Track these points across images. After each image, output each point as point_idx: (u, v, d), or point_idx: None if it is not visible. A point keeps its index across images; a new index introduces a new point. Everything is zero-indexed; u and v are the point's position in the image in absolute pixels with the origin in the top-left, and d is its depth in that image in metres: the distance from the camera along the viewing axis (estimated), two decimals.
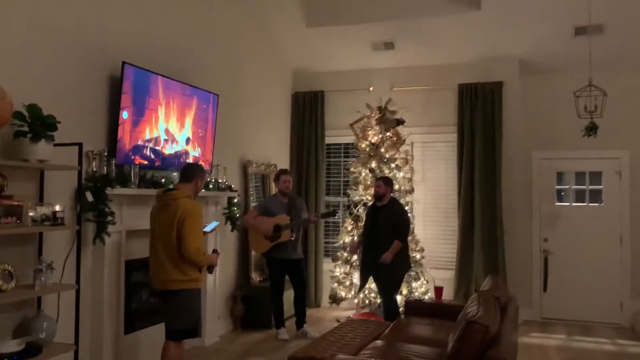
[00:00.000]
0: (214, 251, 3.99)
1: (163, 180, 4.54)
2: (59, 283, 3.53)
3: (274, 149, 7.05)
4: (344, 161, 7.39)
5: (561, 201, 6.80)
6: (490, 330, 2.85)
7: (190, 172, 3.81)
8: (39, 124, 3.23)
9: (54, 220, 3.33)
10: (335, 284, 6.40)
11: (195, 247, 3.55)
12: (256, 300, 5.94)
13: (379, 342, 3.80)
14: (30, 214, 3.26)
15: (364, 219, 5.79)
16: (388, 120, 6.30)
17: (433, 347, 3.71)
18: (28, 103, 3.26)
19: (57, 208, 3.35)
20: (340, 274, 6.35)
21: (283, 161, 7.23)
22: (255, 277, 6.15)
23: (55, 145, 3.36)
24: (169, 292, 3.63)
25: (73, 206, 3.75)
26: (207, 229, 4.11)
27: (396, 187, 6.16)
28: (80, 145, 3.59)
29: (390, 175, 6.16)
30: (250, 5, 6.26)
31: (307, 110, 7.36)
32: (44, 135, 3.23)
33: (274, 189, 6.75)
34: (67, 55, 3.81)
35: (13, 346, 3.03)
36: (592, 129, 5.53)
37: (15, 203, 3.11)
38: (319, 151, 7.26)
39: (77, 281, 3.56)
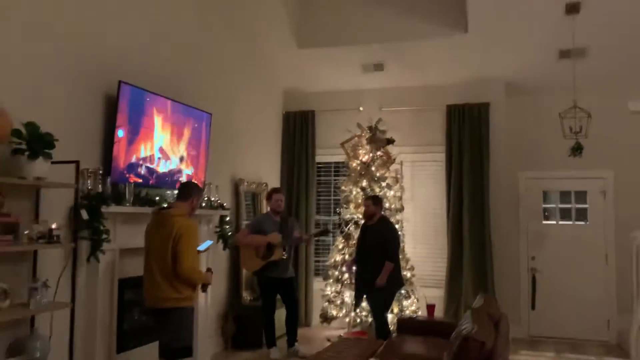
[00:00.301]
0: (208, 270, 3.99)
1: (157, 198, 4.55)
2: (53, 301, 3.50)
3: (265, 168, 7.10)
4: (334, 180, 7.45)
5: (548, 220, 6.91)
6: (486, 346, 2.90)
7: (187, 190, 3.84)
8: (37, 142, 3.24)
9: (49, 238, 3.33)
10: (326, 303, 6.41)
11: (190, 265, 3.56)
12: (247, 319, 5.92)
13: None
14: (25, 231, 3.25)
15: (357, 238, 5.82)
16: (379, 140, 6.40)
17: None
18: (25, 121, 3.28)
19: (54, 226, 3.35)
20: (332, 293, 6.37)
21: (274, 180, 7.28)
22: (246, 296, 6.14)
23: (52, 162, 3.37)
24: (163, 310, 3.62)
25: (67, 224, 3.74)
26: (201, 247, 4.11)
27: (387, 205, 6.23)
28: (77, 163, 3.60)
29: (381, 193, 6.23)
30: (242, 26, 6.35)
31: (298, 129, 7.44)
32: (41, 153, 3.25)
33: (264, 208, 6.79)
34: (64, 74, 3.84)
35: None
36: (577, 149, 5.68)
37: (12, 221, 3.11)
38: (309, 170, 7.32)
39: (73, 300, 3.54)
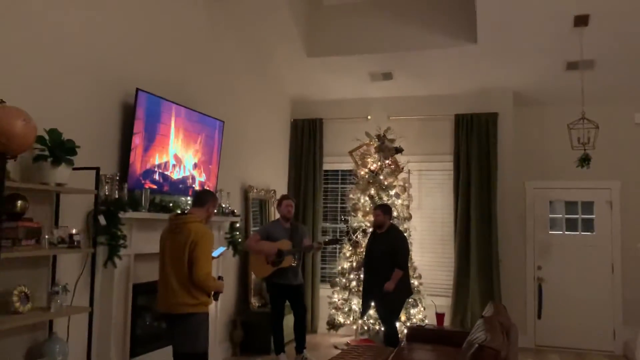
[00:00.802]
0: (219, 278, 3.99)
1: (171, 204, 4.60)
2: (71, 305, 3.55)
3: (273, 175, 7.15)
4: (342, 188, 7.51)
5: (554, 230, 6.96)
6: (501, 355, 2.93)
7: (203, 197, 3.88)
8: (59, 149, 3.30)
9: (70, 243, 3.38)
10: (333, 310, 6.44)
11: (206, 272, 3.59)
12: (255, 325, 5.96)
13: None
14: (46, 236, 3.30)
15: (365, 246, 5.86)
16: (387, 149, 6.45)
17: None
18: (46, 128, 3.33)
19: (74, 231, 3.40)
20: (339, 300, 6.40)
21: (282, 187, 7.33)
22: (255, 302, 6.18)
23: (73, 169, 3.42)
24: (178, 315, 3.64)
25: (85, 229, 3.79)
26: (215, 254, 4.14)
27: (394, 214, 6.27)
28: (97, 169, 3.66)
29: (389, 202, 6.28)
30: (252, 35, 6.42)
31: (306, 137, 7.50)
32: (64, 160, 3.30)
33: (273, 214, 6.85)
34: (83, 82, 3.90)
35: None
36: (585, 160, 5.72)
37: (35, 226, 3.16)
38: (317, 177, 7.37)
39: (91, 304, 3.59)
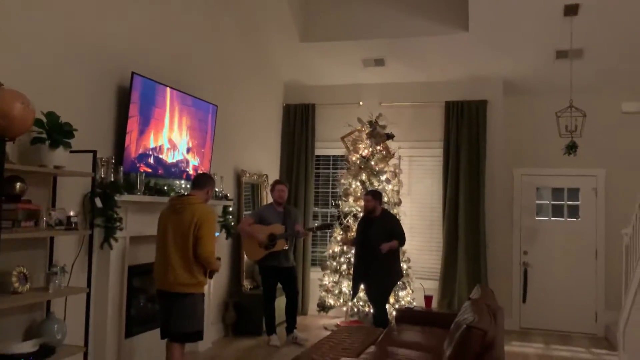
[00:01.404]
0: (218, 258, 4.10)
1: (165, 187, 4.65)
2: (68, 286, 3.61)
3: (266, 160, 7.21)
4: (333, 173, 7.58)
5: (540, 216, 7.10)
6: (488, 335, 3.05)
7: (203, 180, 4.05)
8: (57, 132, 3.33)
9: (67, 224, 3.43)
10: (324, 293, 6.56)
11: (211, 250, 3.78)
12: (247, 307, 6.06)
13: (376, 347, 3.98)
14: (44, 218, 3.35)
15: (356, 230, 5.96)
16: (378, 135, 6.52)
17: (426, 353, 3.90)
18: (42, 110, 3.36)
19: (72, 213, 3.45)
20: (329, 283, 6.52)
21: (274, 171, 7.39)
22: (247, 284, 6.27)
23: (70, 152, 3.46)
24: (177, 294, 3.76)
25: (81, 211, 3.84)
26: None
27: (385, 199, 6.38)
28: (94, 152, 3.70)
29: (379, 187, 6.38)
30: (246, 20, 6.43)
31: (298, 122, 7.54)
32: (61, 142, 3.34)
33: (265, 199, 6.92)
34: (79, 66, 3.92)
35: (28, 347, 3.11)
36: (572, 148, 5.85)
37: (34, 208, 3.20)
38: (308, 162, 7.44)
39: (89, 284, 3.65)
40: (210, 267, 3.85)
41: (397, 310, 5.06)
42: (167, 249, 3.79)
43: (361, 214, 6.39)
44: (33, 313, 3.52)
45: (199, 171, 5.23)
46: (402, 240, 5.62)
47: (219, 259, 4.06)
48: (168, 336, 3.89)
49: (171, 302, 3.80)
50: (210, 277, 4.05)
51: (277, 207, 5.78)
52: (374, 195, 5.72)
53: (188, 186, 5.02)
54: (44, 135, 3.33)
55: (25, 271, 3.24)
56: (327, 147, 7.53)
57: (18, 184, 3.15)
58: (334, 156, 7.59)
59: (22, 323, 3.45)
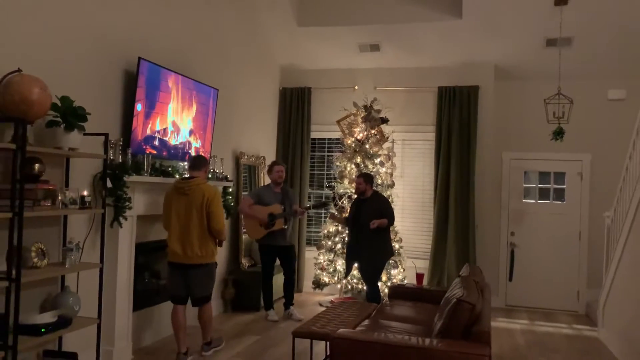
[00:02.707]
0: None
1: (170, 169, 4.84)
2: (81, 262, 3.81)
3: (263, 142, 7.39)
4: (328, 155, 7.79)
5: (528, 198, 7.38)
6: (476, 309, 3.31)
7: (201, 162, 4.45)
8: (72, 115, 3.50)
9: (81, 203, 3.61)
10: (319, 271, 6.81)
11: (222, 223, 4.35)
12: (246, 284, 6.30)
13: (370, 321, 4.24)
14: (59, 197, 3.53)
15: (349, 211, 6.19)
16: (373, 119, 6.72)
17: (418, 325, 4.16)
18: (56, 95, 3.51)
19: (85, 193, 3.64)
20: (324, 261, 6.77)
21: (271, 153, 7.58)
22: (245, 262, 6.50)
23: (84, 134, 3.63)
24: (197, 265, 4.31)
25: (91, 191, 4.02)
26: None
27: (379, 181, 6.61)
28: (106, 135, 3.88)
29: (374, 170, 6.60)
30: (246, 4, 6.56)
31: (294, 105, 7.71)
32: (76, 126, 3.51)
33: (262, 180, 7.12)
34: (87, 51, 4.06)
35: (48, 318, 3.32)
36: (559, 134, 6.09)
37: (52, 187, 3.38)
38: (304, 145, 7.63)
39: (101, 260, 3.85)
40: (220, 237, 4.40)
41: (390, 287, 5.31)
42: (182, 227, 4.26)
43: (355, 196, 6.62)
44: (49, 287, 3.72)
45: (201, 153, 5.42)
46: (391, 220, 5.84)
47: None
48: (186, 302, 4.42)
49: (191, 273, 4.32)
50: (220, 245, 4.52)
51: (275, 188, 5.98)
52: (365, 178, 5.93)
53: None
54: (59, 119, 3.49)
55: (43, 247, 3.43)
56: (322, 130, 7.71)
57: (37, 165, 3.32)
58: (329, 139, 7.79)
59: (38, 296, 3.65)
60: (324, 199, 7.01)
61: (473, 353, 3.01)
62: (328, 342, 4.13)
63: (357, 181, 5.98)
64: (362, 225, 5.81)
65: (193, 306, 4.48)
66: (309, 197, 7.74)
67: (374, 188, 6.09)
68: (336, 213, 6.63)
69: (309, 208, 6.29)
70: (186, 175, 4.56)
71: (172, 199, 4.29)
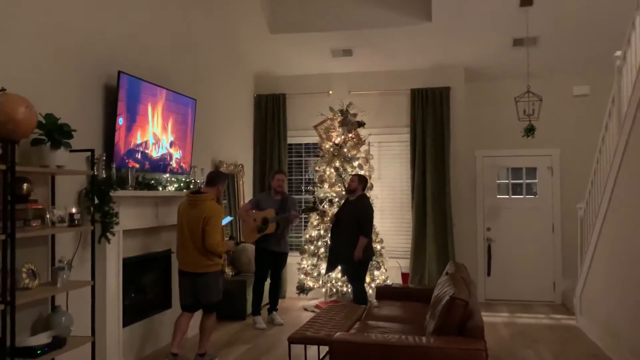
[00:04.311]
0: (231, 238, 4.58)
1: (152, 181, 4.81)
2: (70, 280, 3.76)
3: (240, 150, 7.39)
4: (305, 160, 7.84)
5: (501, 194, 7.58)
6: (469, 305, 3.41)
7: (215, 178, 4.62)
8: (57, 132, 3.46)
9: (70, 221, 3.57)
10: (303, 275, 6.85)
11: (215, 241, 4.40)
12: (231, 293, 6.27)
13: (361, 323, 4.30)
14: (47, 216, 3.49)
15: (337, 211, 6.22)
16: (350, 123, 6.81)
17: (409, 324, 4.25)
18: (40, 113, 3.45)
19: (73, 210, 3.60)
20: (308, 266, 6.81)
21: (248, 161, 7.59)
22: (229, 271, 6.49)
23: (70, 151, 3.59)
24: (200, 274, 4.45)
25: (77, 208, 3.97)
26: (223, 222, 4.74)
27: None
28: (92, 151, 3.84)
29: (352, 172, 6.68)
30: (219, 13, 6.56)
31: (270, 112, 7.75)
32: (62, 143, 3.47)
33: (241, 188, 7.14)
34: (67, 66, 4.01)
35: (43, 339, 3.27)
36: (530, 130, 6.29)
37: (40, 207, 3.34)
38: (281, 151, 7.67)
39: (92, 277, 3.81)
40: (217, 254, 4.48)
41: (377, 288, 5.39)
42: (186, 238, 4.45)
43: (336, 200, 6.70)
44: (39, 307, 3.66)
45: (182, 164, 5.41)
46: (364, 227, 5.75)
47: (231, 238, 4.51)
48: (193, 310, 4.60)
49: (197, 281, 4.47)
50: (228, 254, 4.52)
51: (275, 196, 6.09)
52: (360, 179, 5.99)
53: (173, 179, 5.21)
54: (44, 137, 3.44)
55: (33, 267, 3.38)
56: (298, 135, 7.77)
57: (25, 185, 3.28)
58: (306, 144, 7.84)
59: (29, 317, 3.59)
60: (313, 204, 7.06)
61: (470, 348, 3.12)
62: (321, 346, 4.19)
63: (351, 178, 6.05)
64: (343, 225, 5.88)
65: (204, 313, 4.61)
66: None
67: (365, 192, 6.10)
68: (319, 220, 6.71)
69: (298, 212, 6.31)
70: (199, 190, 4.72)
71: (183, 209, 4.51)
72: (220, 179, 4.66)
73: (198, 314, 4.72)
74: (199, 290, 4.50)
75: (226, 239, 4.74)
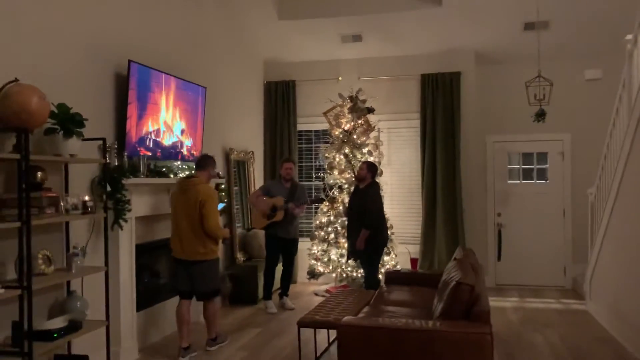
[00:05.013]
0: (225, 226, 4.56)
1: (164, 169, 4.89)
2: (85, 266, 3.85)
3: (250, 137, 7.44)
4: (315, 147, 7.87)
5: (512, 179, 7.57)
6: (475, 289, 3.45)
7: (204, 162, 4.54)
8: (70, 122, 3.53)
9: (84, 209, 3.66)
10: (313, 261, 6.92)
11: (215, 223, 4.37)
12: (242, 278, 6.39)
13: (370, 307, 4.37)
14: (61, 204, 3.57)
15: (349, 197, 6.25)
16: (359, 109, 6.82)
17: (417, 308, 4.31)
18: (52, 102, 3.52)
19: (86, 198, 3.68)
20: (318, 252, 6.88)
21: (259, 148, 7.65)
22: (240, 257, 6.59)
23: (82, 140, 3.66)
24: (195, 262, 4.41)
25: (90, 196, 4.05)
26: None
27: None
28: (104, 140, 3.91)
29: (362, 159, 6.70)
30: (227, 1, 6.58)
31: (280, 98, 7.77)
32: (74, 132, 3.54)
33: (252, 175, 7.21)
34: (78, 56, 4.07)
35: (60, 323, 3.37)
36: (541, 115, 6.25)
37: (54, 195, 3.42)
38: (291, 137, 7.70)
39: (106, 263, 3.91)
40: (216, 237, 4.44)
41: (386, 273, 5.44)
42: (180, 225, 4.35)
43: (345, 186, 6.75)
44: (55, 292, 3.77)
45: (193, 151, 5.47)
46: (367, 219, 5.65)
47: (225, 226, 4.50)
48: (191, 297, 4.54)
49: (191, 269, 4.43)
50: (224, 242, 4.56)
51: (285, 183, 6.17)
52: (369, 167, 5.95)
53: (184, 166, 5.27)
54: (56, 126, 3.51)
55: (49, 254, 3.47)
56: (308, 122, 7.79)
57: (39, 173, 3.35)
58: (315, 131, 7.87)
59: (46, 301, 3.70)
60: (313, 192, 7.12)
61: (475, 332, 3.16)
62: (331, 330, 4.27)
63: (360, 166, 6.05)
64: (354, 213, 5.92)
65: (197, 301, 4.61)
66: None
67: (375, 180, 6.06)
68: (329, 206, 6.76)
69: (306, 202, 6.35)
70: (190, 173, 4.68)
71: (175, 197, 4.44)
72: (210, 161, 4.57)
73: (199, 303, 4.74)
74: (194, 278, 4.46)
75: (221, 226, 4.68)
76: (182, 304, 4.53)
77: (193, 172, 4.77)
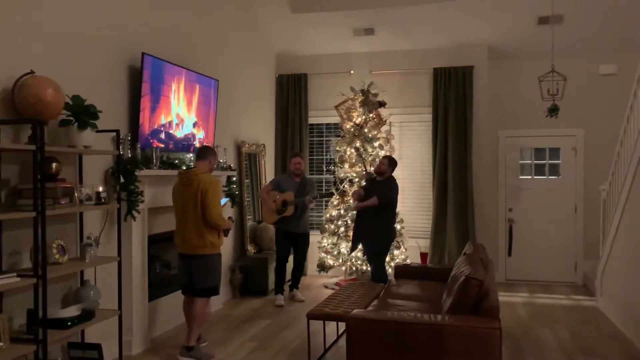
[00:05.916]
0: (229, 218, 4.53)
1: (176, 161, 4.93)
2: (99, 256, 3.91)
3: (262, 130, 7.47)
4: (326, 140, 7.88)
5: (524, 175, 7.53)
6: (484, 284, 3.45)
7: (204, 152, 4.42)
8: (84, 113, 3.57)
9: (97, 199, 3.71)
10: (323, 254, 6.96)
11: (217, 213, 4.21)
12: (253, 270, 6.44)
13: (379, 300, 4.39)
14: (75, 194, 3.63)
15: (365, 186, 6.26)
16: (371, 103, 6.81)
17: (426, 302, 4.32)
18: (67, 94, 3.57)
19: (100, 189, 3.73)
20: (328, 245, 6.91)
21: (270, 141, 7.67)
22: (251, 249, 6.64)
23: (96, 132, 3.71)
24: (195, 256, 4.25)
25: (104, 187, 4.10)
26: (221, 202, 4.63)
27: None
28: (117, 131, 3.96)
29: (373, 153, 6.71)
30: None
31: (291, 92, 7.79)
32: (89, 124, 3.59)
33: (263, 168, 7.25)
34: (92, 48, 4.11)
35: (73, 311, 3.44)
36: (554, 110, 6.21)
37: (69, 185, 3.47)
38: (303, 131, 7.72)
39: (119, 253, 3.96)
40: (219, 228, 4.29)
41: (395, 267, 5.46)
42: (182, 218, 4.26)
43: (356, 180, 6.75)
44: (69, 281, 3.83)
45: (205, 144, 5.51)
46: (381, 199, 5.72)
47: (230, 218, 4.51)
48: (191, 293, 4.36)
49: (191, 263, 4.28)
50: (226, 235, 4.49)
51: (295, 177, 6.20)
52: (390, 161, 5.96)
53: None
54: (71, 118, 3.56)
55: (63, 244, 3.53)
56: (319, 115, 7.80)
57: (54, 164, 3.41)
58: (327, 124, 7.88)
59: (60, 290, 3.76)
60: (324, 186, 7.13)
61: (484, 327, 3.17)
62: (339, 323, 4.30)
63: (381, 161, 6.01)
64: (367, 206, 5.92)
65: (192, 296, 4.37)
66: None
67: (393, 174, 6.08)
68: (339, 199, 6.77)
69: (316, 196, 6.37)
70: (190, 166, 4.66)
71: (177, 189, 4.33)
72: (210, 151, 4.43)
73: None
74: (193, 273, 4.28)
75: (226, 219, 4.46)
76: (185, 300, 4.44)
77: (192, 164, 4.73)
